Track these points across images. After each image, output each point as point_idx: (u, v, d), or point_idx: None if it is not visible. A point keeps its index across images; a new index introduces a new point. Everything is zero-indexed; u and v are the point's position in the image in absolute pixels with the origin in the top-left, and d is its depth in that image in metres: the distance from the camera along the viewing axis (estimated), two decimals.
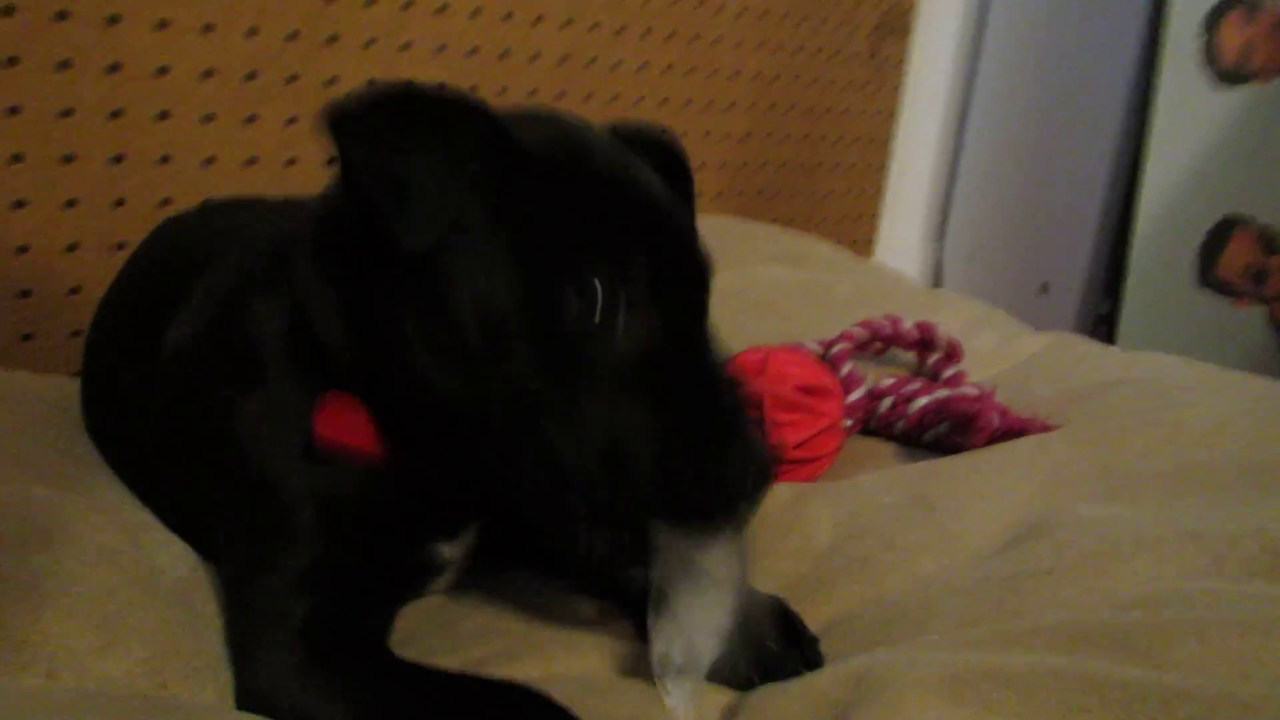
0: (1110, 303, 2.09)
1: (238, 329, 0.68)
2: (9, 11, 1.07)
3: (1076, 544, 0.74)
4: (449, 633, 0.72)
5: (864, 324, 1.16)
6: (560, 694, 0.59)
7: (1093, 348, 1.31)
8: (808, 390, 0.95)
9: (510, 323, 0.58)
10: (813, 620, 0.69)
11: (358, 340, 0.63)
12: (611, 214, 0.60)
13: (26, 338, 1.15)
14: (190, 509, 0.73)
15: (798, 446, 0.92)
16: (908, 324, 1.16)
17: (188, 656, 0.63)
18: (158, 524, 0.75)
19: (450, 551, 0.71)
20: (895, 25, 2.08)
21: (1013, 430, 0.97)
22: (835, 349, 1.10)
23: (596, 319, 0.58)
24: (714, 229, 1.61)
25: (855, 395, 1.03)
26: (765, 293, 1.34)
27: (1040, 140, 2.11)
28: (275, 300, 0.67)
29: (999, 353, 1.30)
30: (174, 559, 0.71)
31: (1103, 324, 2.09)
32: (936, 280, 2.33)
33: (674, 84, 1.72)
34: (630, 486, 0.57)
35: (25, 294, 1.15)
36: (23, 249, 1.14)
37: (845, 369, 1.06)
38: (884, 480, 0.90)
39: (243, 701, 0.62)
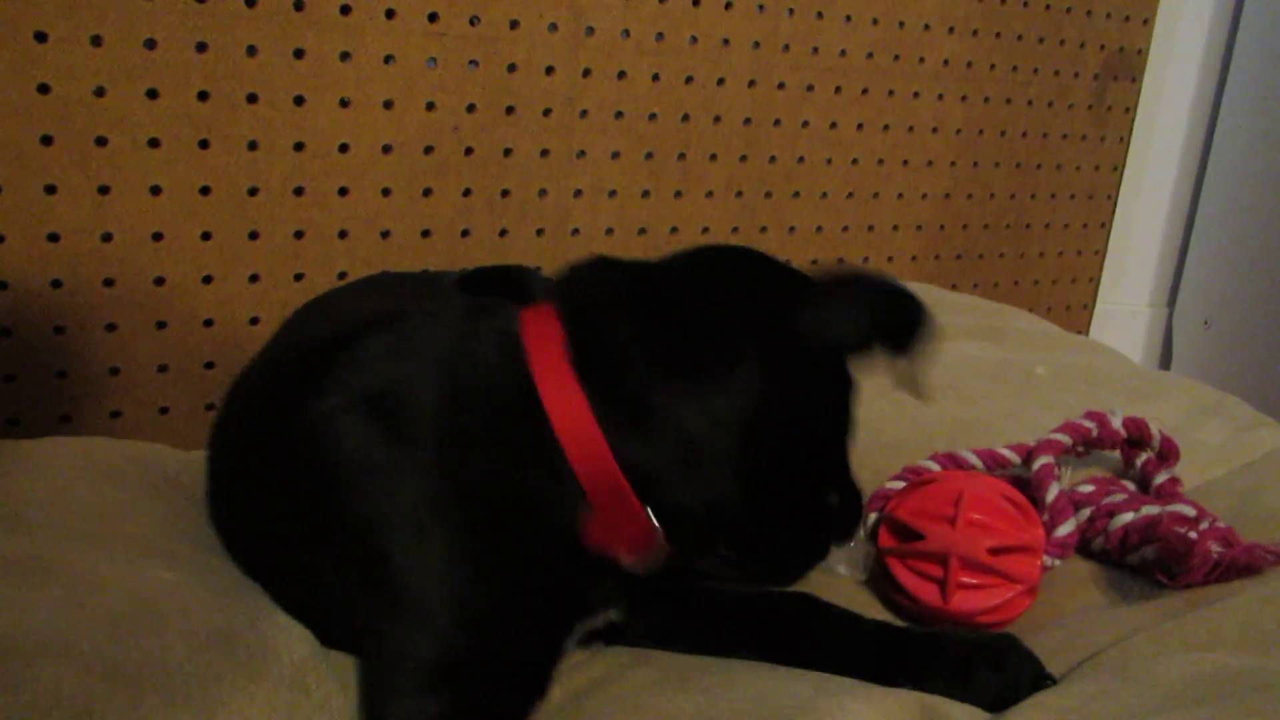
0: None
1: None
2: (203, 96, 1.13)
3: None
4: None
5: (1067, 427, 1.00)
6: None
7: None
8: (1002, 550, 0.81)
9: None
10: None
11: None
12: None
13: (209, 408, 1.20)
14: (318, 595, 0.71)
15: (983, 613, 0.81)
16: (1116, 421, 1.02)
17: None
18: (278, 610, 0.74)
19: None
20: (1122, 70, 1.90)
21: (1237, 564, 0.80)
22: (1037, 464, 0.94)
23: None
24: None
25: (1064, 530, 0.88)
26: (952, 373, 1.22)
27: None
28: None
29: (1226, 450, 1.13)
30: (293, 641, 0.70)
31: None
32: (1166, 349, 2.11)
33: (867, 142, 1.63)
34: None
35: (210, 365, 1.20)
36: (208, 323, 1.19)
37: (1052, 493, 0.91)
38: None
39: None
